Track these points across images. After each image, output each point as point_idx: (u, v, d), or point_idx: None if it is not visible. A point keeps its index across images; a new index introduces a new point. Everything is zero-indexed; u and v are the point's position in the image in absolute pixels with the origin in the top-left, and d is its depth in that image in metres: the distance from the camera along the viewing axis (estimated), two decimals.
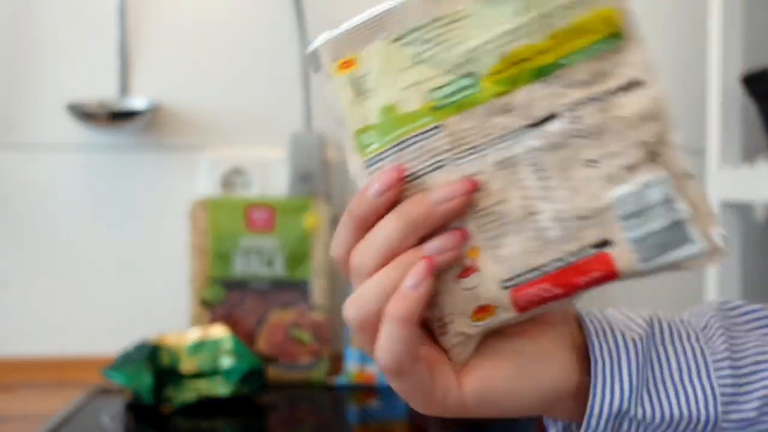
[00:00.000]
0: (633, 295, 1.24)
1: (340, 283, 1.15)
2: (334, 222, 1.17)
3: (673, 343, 0.47)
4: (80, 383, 1.11)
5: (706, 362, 0.46)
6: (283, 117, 1.18)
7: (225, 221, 1.11)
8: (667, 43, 1.22)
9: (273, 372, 1.10)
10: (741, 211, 1.15)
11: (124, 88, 1.16)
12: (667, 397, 0.46)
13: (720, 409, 0.46)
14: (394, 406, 0.96)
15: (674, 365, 0.46)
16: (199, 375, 0.98)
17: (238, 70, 1.18)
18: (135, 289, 1.18)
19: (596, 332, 0.46)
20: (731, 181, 1.12)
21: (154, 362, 0.98)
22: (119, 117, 1.13)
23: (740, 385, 0.46)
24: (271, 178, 1.17)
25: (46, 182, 1.17)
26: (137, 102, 1.15)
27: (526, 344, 0.45)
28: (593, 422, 0.45)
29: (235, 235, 1.11)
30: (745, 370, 0.47)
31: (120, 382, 0.97)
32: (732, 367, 0.46)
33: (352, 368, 1.08)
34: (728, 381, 0.46)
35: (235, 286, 1.11)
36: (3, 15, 1.16)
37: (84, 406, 0.99)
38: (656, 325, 0.48)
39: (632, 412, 0.45)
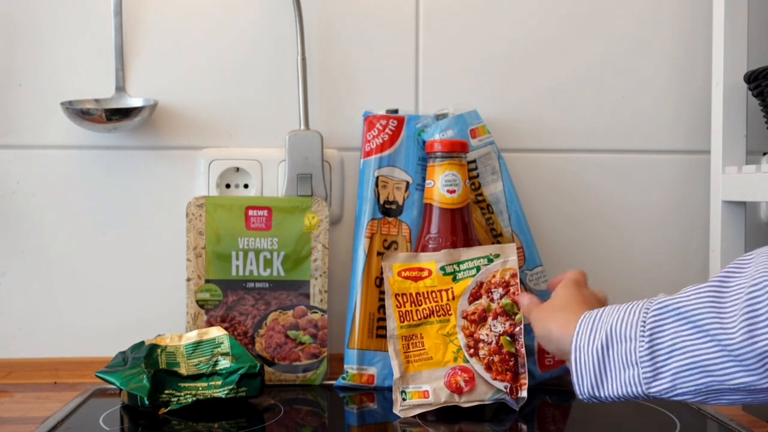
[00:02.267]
0: (634, 290, 1.24)
1: (339, 284, 1.15)
2: (333, 222, 1.17)
3: (620, 347, 0.73)
4: (77, 385, 1.10)
5: (636, 360, 0.72)
6: (281, 116, 1.17)
7: (223, 221, 1.10)
8: (671, 43, 1.21)
9: (271, 374, 1.09)
10: (745, 211, 1.15)
11: (121, 86, 1.15)
12: (613, 386, 0.74)
13: (643, 389, 0.72)
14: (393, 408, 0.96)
15: (618, 365, 0.73)
16: (196, 377, 0.97)
17: (236, 69, 1.18)
18: (132, 289, 1.17)
19: (575, 346, 0.76)
20: (735, 182, 1.11)
21: (151, 364, 0.97)
22: (116, 116, 1.12)
23: (657, 367, 0.70)
24: (270, 178, 1.16)
25: (42, 182, 1.16)
26: (134, 101, 1.14)
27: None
28: (582, 398, 0.76)
29: (233, 235, 1.10)
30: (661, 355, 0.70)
31: (116, 383, 0.96)
32: (651, 359, 0.71)
33: (352, 370, 1.08)
34: (648, 371, 0.71)
35: (234, 286, 1.10)
36: None
37: (80, 408, 0.99)
38: (615, 334, 0.74)
39: (597, 394, 0.75)
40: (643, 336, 0.71)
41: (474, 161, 1.11)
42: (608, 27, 1.21)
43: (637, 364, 0.71)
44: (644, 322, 0.71)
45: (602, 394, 0.74)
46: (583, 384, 0.75)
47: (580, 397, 0.76)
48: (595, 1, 1.21)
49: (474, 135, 1.11)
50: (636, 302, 0.74)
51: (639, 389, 0.72)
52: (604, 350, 0.74)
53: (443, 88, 1.19)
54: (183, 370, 0.98)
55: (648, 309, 0.72)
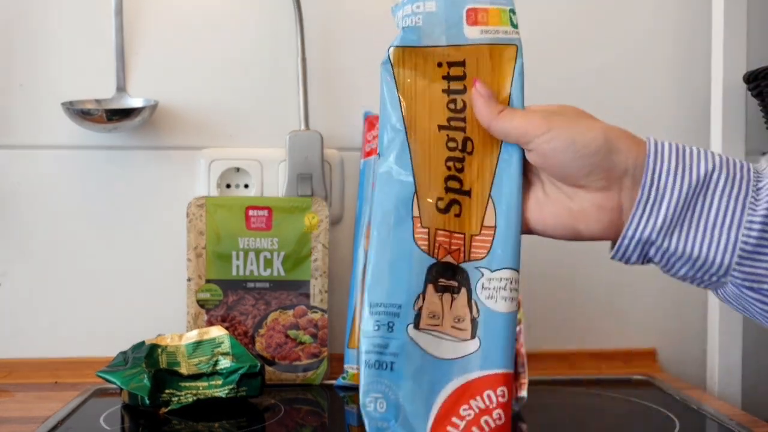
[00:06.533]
0: (633, 290, 1.24)
1: (339, 284, 1.15)
2: (333, 222, 1.17)
3: (721, 197, 0.55)
4: (77, 385, 1.10)
5: (740, 221, 0.54)
6: (282, 116, 1.17)
7: (223, 221, 1.10)
8: (670, 43, 1.22)
9: (271, 373, 1.09)
10: None
11: (122, 87, 1.15)
12: (694, 238, 0.55)
13: (734, 260, 0.54)
14: None
15: (712, 216, 0.55)
16: (197, 376, 0.97)
17: (236, 69, 1.18)
18: (132, 289, 1.17)
19: (653, 169, 0.55)
20: None
21: (152, 363, 0.97)
22: (116, 116, 1.12)
23: (762, 247, 0.54)
24: (270, 178, 1.16)
25: (42, 182, 1.16)
26: (135, 101, 1.15)
27: (573, 205, 0.58)
28: (625, 243, 0.56)
29: (233, 235, 1.10)
30: None
31: (117, 383, 0.96)
32: (762, 230, 0.54)
33: (352, 369, 1.08)
34: (752, 241, 0.54)
35: (234, 286, 1.10)
36: None
37: (81, 408, 0.99)
38: (716, 176, 0.55)
39: (659, 242, 0.55)
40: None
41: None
42: (607, 28, 1.21)
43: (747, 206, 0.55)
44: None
45: (671, 245, 0.56)
46: (650, 218, 0.56)
47: (626, 242, 0.57)
48: (594, 3, 1.21)
49: (474, 20, 0.63)
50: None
51: (737, 244, 0.55)
52: (699, 187, 0.55)
53: None
54: (183, 370, 0.98)
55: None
